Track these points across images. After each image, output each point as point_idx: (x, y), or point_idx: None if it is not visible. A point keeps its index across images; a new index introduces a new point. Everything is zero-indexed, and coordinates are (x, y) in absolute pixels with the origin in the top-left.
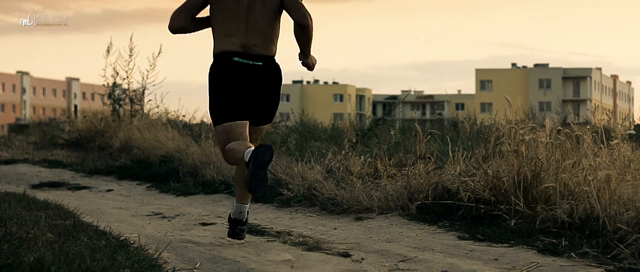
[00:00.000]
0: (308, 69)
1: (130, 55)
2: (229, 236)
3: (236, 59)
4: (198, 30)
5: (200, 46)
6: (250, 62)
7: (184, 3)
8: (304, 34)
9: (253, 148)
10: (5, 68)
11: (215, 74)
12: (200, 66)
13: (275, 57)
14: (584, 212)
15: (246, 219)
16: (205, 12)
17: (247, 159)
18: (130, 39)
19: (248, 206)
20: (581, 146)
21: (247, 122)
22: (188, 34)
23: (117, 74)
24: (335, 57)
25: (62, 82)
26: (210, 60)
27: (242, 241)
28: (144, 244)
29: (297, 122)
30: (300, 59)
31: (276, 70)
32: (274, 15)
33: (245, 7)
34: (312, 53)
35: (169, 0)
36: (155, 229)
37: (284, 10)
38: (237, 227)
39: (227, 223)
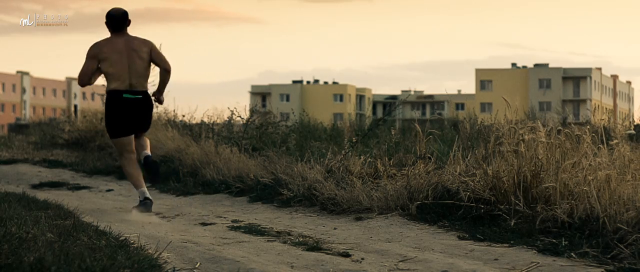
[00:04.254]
0: (159, 103)
1: None
2: (140, 209)
3: (125, 95)
4: (97, 78)
5: (199, 46)
6: (133, 96)
7: (83, 69)
8: (167, 77)
9: (144, 190)
10: (5, 68)
11: (111, 105)
12: (199, 65)
13: (148, 91)
14: (584, 212)
15: (148, 195)
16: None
17: (141, 198)
18: None
19: (145, 188)
20: (581, 146)
21: (133, 136)
22: (189, 31)
23: None
24: (336, 57)
25: (62, 82)
26: (208, 60)
27: (151, 211)
28: (144, 244)
29: (297, 122)
30: (154, 95)
31: (149, 100)
32: (147, 65)
33: (127, 60)
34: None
35: (169, 1)
36: (155, 229)
37: (152, 61)
38: (147, 201)
39: (140, 203)
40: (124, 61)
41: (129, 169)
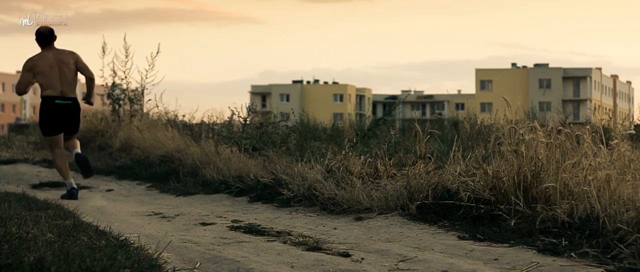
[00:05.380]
0: (90, 105)
1: (126, 56)
2: (66, 198)
3: (57, 101)
4: (31, 87)
5: (199, 46)
6: (64, 101)
7: (20, 81)
8: (92, 83)
9: (71, 181)
10: (5, 68)
11: (45, 109)
12: (199, 65)
13: (77, 97)
14: (584, 212)
15: (76, 185)
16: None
17: (68, 188)
18: (124, 39)
19: (71, 179)
20: (581, 146)
21: (62, 134)
22: (190, 31)
23: (115, 74)
24: (336, 57)
25: None
26: (208, 60)
27: (77, 199)
28: (144, 244)
29: (297, 122)
30: (84, 99)
31: (77, 104)
32: (74, 74)
33: (57, 71)
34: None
35: (170, 1)
36: (155, 229)
37: (78, 70)
38: (73, 190)
39: (67, 192)
40: (55, 72)
41: (58, 162)
